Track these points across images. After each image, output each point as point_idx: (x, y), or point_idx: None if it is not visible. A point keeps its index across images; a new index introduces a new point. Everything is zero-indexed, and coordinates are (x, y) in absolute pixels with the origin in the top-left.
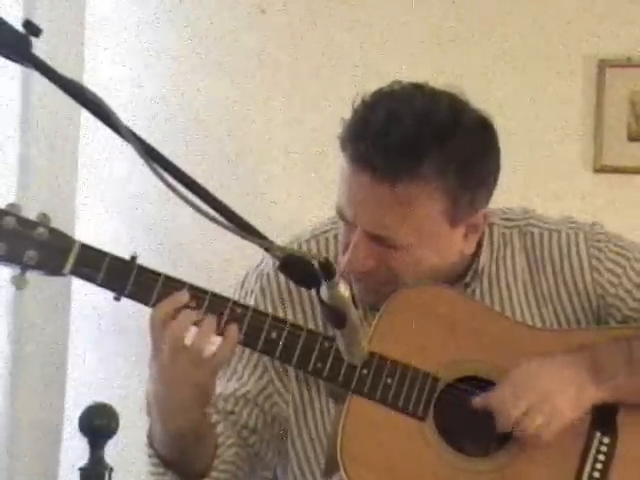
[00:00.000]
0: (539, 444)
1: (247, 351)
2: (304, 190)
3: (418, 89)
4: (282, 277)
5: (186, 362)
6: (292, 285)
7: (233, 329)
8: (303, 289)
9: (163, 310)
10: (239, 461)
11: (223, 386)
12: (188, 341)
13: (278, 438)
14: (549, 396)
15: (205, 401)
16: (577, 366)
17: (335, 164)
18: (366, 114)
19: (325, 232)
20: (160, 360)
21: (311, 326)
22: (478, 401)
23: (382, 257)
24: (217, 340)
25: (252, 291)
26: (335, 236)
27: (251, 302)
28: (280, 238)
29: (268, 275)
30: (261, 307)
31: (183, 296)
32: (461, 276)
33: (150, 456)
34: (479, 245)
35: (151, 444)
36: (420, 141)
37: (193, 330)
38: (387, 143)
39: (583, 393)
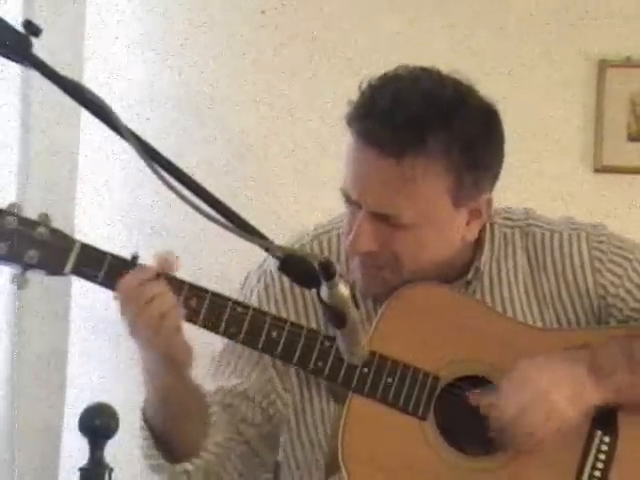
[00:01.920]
0: (534, 443)
1: (248, 349)
2: (310, 190)
3: (425, 72)
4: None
5: (146, 326)
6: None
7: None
8: None
9: (128, 284)
10: (230, 450)
11: (224, 381)
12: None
13: (274, 435)
14: (546, 394)
15: (175, 365)
16: (576, 364)
17: (337, 162)
18: (373, 94)
19: (327, 232)
20: (126, 327)
21: (314, 324)
22: (475, 398)
23: (386, 239)
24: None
25: (255, 289)
26: (337, 235)
27: (254, 300)
28: (287, 238)
29: (271, 273)
30: (264, 305)
31: (148, 272)
32: (462, 274)
33: (142, 428)
34: (480, 243)
35: (144, 416)
36: (426, 119)
37: None
38: (394, 120)
39: (582, 391)
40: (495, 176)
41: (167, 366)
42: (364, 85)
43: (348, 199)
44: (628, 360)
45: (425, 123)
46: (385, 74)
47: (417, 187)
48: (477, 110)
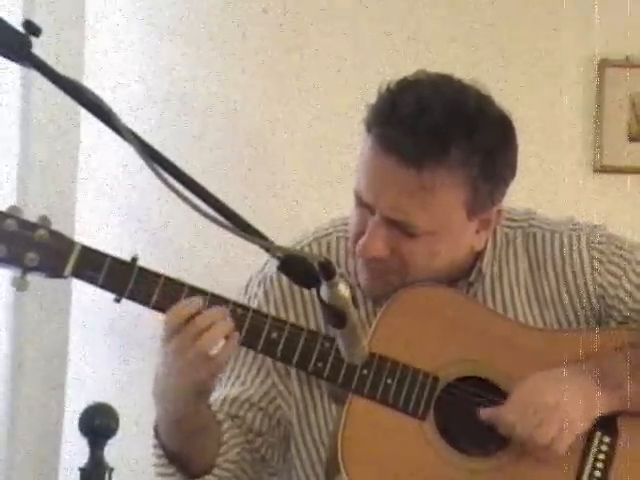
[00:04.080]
0: (552, 456)
1: (250, 355)
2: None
3: (445, 79)
4: (285, 280)
5: (191, 360)
6: (295, 288)
7: (236, 334)
8: (306, 292)
9: (178, 315)
10: (243, 462)
11: (227, 390)
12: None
13: (283, 441)
14: (560, 408)
15: (203, 396)
16: (585, 376)
17: (339, 162)
18: (395, 99)
19: (327, 235)
20: (166, 354)
21: (314, 328)
22: (487, 414)
23: (397, 245)
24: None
25: (255, 295)
26: (337, 239)
27: (254, 305)
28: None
29: (271, 279)
30: (264, 310)
31: (198, 302)
32: (464, 275)
33: (155, 447)
34: (483, 245)
35: (157, 434)
36: (449, 129)
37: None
38: (416, 128)
39: (592, 403)
40: (508, 186)
41: (193, 396)
42: (383, 89)
43: (360, 202)
44: (633, 371)
45: (448, 133)
46: (405, 79)
47: (434, 197)
48: (497, 122)
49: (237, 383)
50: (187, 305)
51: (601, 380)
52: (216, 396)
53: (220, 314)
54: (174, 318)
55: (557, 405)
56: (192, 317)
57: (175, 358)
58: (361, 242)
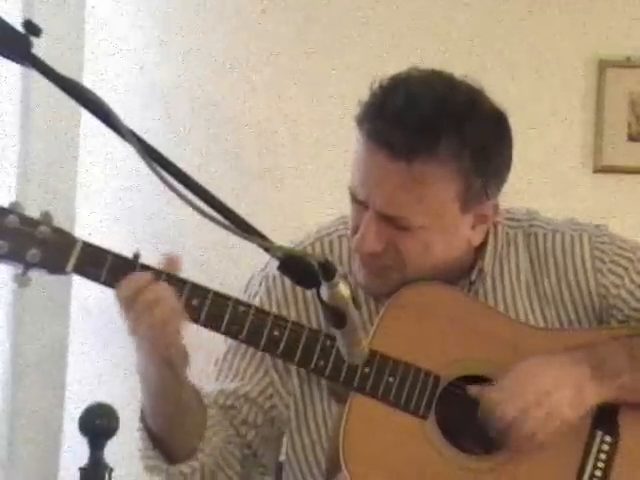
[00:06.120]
0: (534, 444)
1: (250, 352)
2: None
3: (436, 74)
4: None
5: (144, 333)
6: (297, 286)
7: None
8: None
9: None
10: (226, 453)
11: (225, 384)
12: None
13: (276, 438)
14: (547, 395)
15: (174, 366)
16: (578, 364)
17: (339, 162)
18: (385, 94)
19: (330, 234)
20: (126, 327)
21: (316, 327)
22: (475, 392)
23: (392, 239)
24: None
25: (257, 293)
26: (339, 237)
27: (256, 303)
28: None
29: (273, 277)
30: (266, 308)
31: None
32: (465, 274)
33: (140, 430)
34: (484, 244)
35: (142, 418)
36: (439, 122)
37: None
38: (406, 122)
39: (584, 391)
40: (503, 182)
41: (164, 368)
42: (375, 86)
43: (355, 198)
44: (630, 359)
45: (437, 126)
46: (396, 75)
47: (426, 191)
48: (489, 115)
49: (236, 379)
50: (135, 278)
51: (596, 369)
52: (213, 388)
53: (167, 289)
54: (122, 291)
55: (544, 393)
56: (142, 289)
57: (132, 331)
58: (356, 238)
